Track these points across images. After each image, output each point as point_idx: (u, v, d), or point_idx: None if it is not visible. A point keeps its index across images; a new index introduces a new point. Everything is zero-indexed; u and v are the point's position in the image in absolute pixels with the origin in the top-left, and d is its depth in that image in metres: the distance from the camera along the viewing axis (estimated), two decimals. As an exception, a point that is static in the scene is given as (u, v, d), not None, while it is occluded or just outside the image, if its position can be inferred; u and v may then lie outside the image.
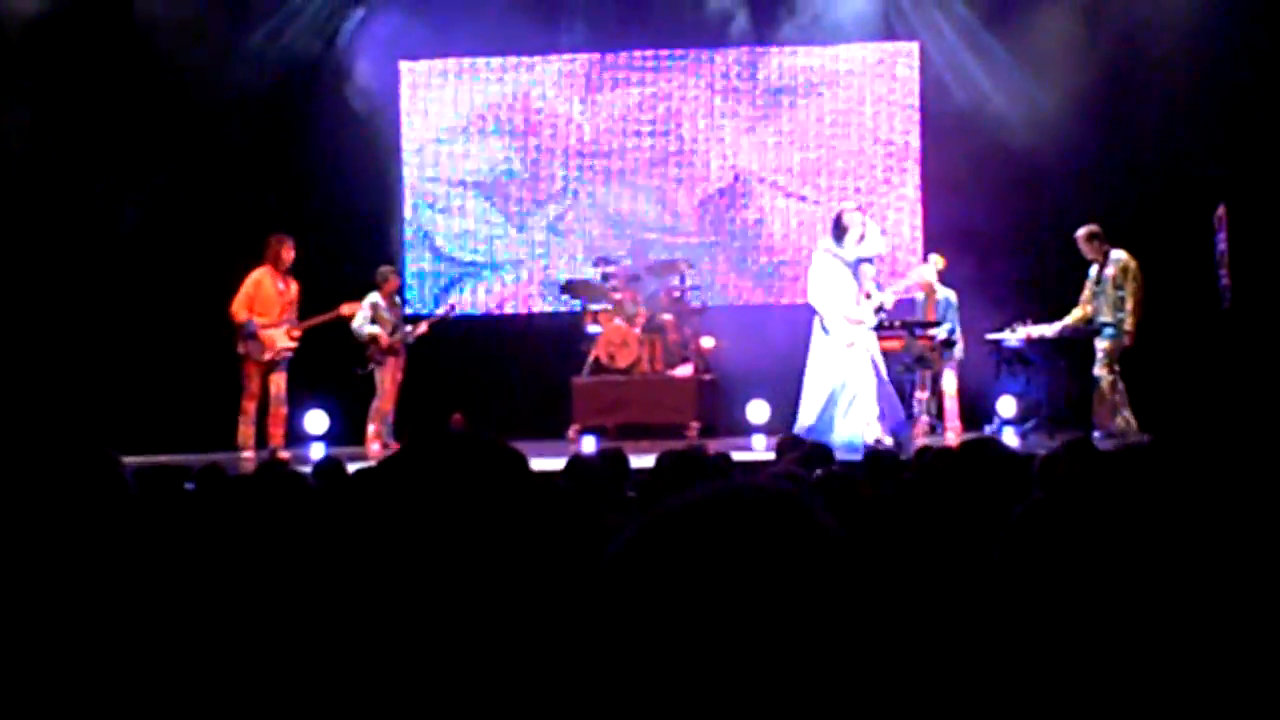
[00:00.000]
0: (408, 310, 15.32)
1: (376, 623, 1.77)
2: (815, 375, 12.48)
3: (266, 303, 13.34)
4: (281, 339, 13.36)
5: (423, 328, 14.38)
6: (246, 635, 2.42)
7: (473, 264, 16.51)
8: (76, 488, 2.58)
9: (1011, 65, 15.09)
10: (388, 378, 14.08)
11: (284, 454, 12.76)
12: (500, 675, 1.74)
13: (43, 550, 2.20)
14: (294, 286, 13.57)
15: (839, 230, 12.43)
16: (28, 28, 14.31)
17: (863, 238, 12.39)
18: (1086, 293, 13.14)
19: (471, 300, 16.43)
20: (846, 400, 12.29)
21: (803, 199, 16.19)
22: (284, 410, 13.60)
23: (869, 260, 12.51)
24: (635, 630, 1.31)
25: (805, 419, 12.31)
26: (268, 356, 13.37)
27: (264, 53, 15.57)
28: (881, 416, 12.31)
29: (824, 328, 12.47)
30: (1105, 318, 12.98)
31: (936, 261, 14.11)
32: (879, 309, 12.55)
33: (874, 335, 12.51)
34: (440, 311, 15.05)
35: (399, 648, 1.75)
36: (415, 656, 1.74)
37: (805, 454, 7.39)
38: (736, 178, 16.32)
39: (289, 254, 13.40)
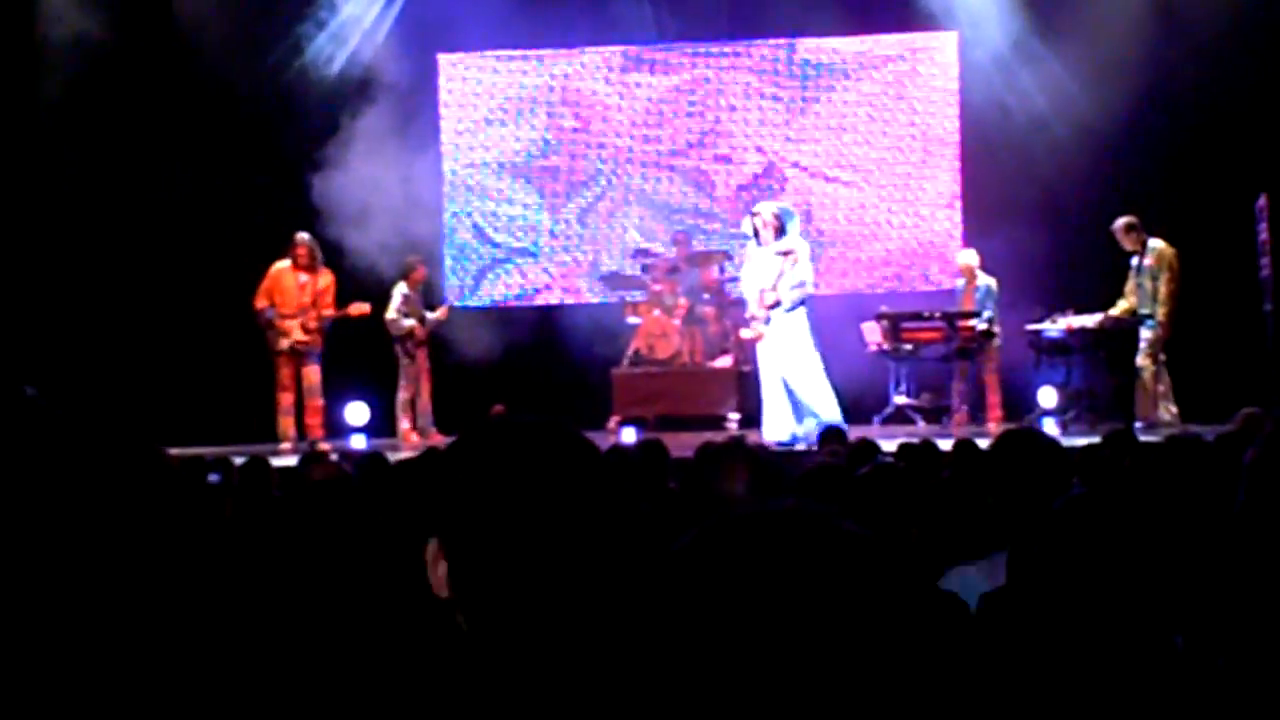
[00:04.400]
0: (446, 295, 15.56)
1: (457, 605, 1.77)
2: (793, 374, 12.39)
3: (285, 294, 13.63)
4: (297, 330, 13.56)
5: (441, 313, 14.42)
6: (295, 622, 2.43)
7: (513, 251, 16.56)
8: (124, 479, 2.60)
9: (1052, 54, 14.97)
10: (421, 369, 14.16)
11: (324, 445, 12.86)
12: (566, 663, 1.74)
13: (90, 541, 2.22)
14: (323, 279, 13.70)
15: (753, 230, 12.58)
16: (75, 43, 14.46)
17: (780, 233, 12.39)
18: (1130, 284, 13.07)
19: (510, 287, 16.49)
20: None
21: (844, 185, 16.15)
22: (319, 402, 13.75)
23: (786, 254, 12.38)
24: (690, 624, 1.32)
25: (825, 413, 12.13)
26: (285, 344, 13.59)
27: (301, 50, 15.65)
28: (794, 411, 12.34)
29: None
30: (1146, 309, 12.92)
31: (971, 256, 14.21)
32: (772, 305, 12.33)
33: (787, 329, 12.32)
34: (453, 302, 15.08)
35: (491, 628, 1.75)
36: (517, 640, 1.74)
37: (850, 448, 7.39)
38: (774, 167, 16.31)
39: (301, 251, 13.63)
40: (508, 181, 16.55)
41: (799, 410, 12.24)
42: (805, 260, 12.49)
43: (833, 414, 12.06)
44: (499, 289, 16.50)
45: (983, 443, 7.13)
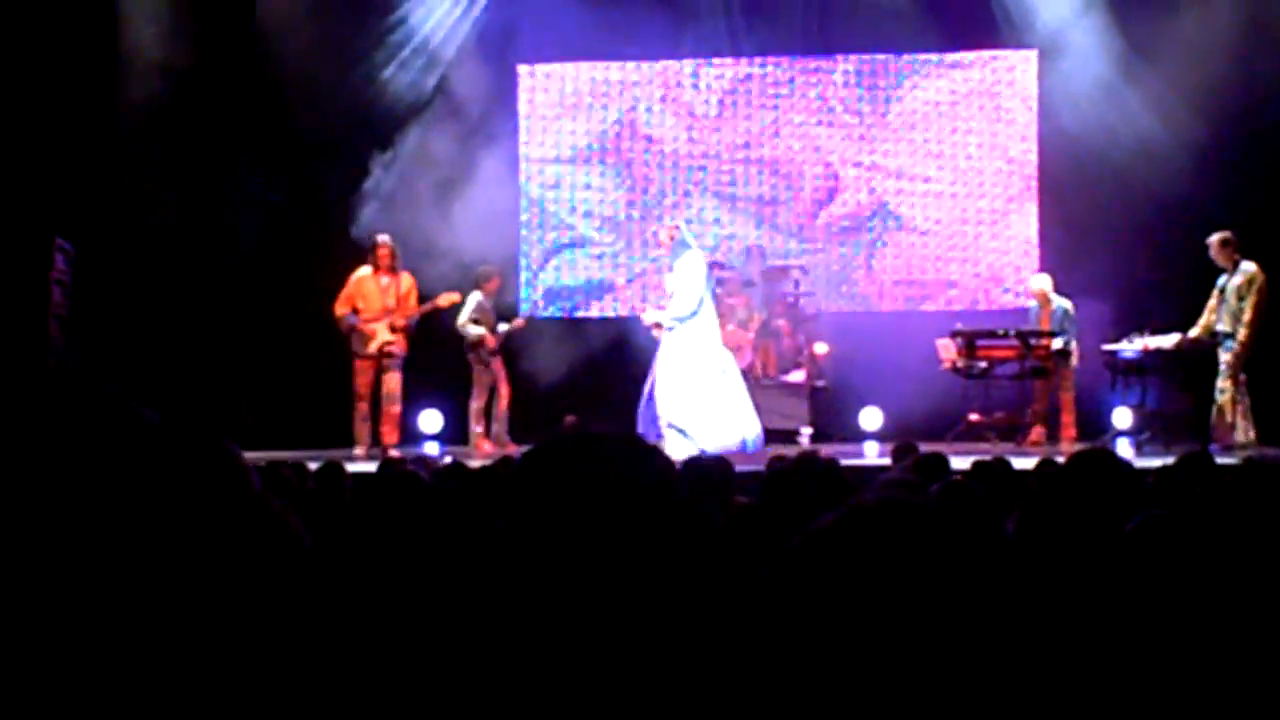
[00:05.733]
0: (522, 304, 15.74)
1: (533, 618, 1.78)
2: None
3: (368, 299, 13.69)
4: (383, 332, 13.62)
5: (516, 323, 14.49)
6: (379, 633, 2.45)
7: (588, 239, 16.62)
8: (199, 480, 2.63)
9: (1134, 73, 14.81)
10: (499, 378, 14.21)
11: (394, 452, 12.92)
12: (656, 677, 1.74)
13: (165, 543, 2.26)
14: (404, 281, 13.77)
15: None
16: (158, 65, 14.68)
17: (673, 251, 12.83)
18: (1212, 301, 12.92)
19: (586, 298, 16.57)
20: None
21: (919, 198, 16.06)
22: (396, 409, 13.79)
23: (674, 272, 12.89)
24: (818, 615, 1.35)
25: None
26: (371, 348, 13.64)
27: (381, 66, 15.81)
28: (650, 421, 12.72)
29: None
30: (1225, 327, 12.77)
31: (1044, 280, 14.12)
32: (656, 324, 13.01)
33: (672, 345, 12.72)
34: (522, 319, 15.05)
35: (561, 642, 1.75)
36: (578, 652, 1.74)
37: (918, 461, 7.36)
38: (848, 185, 16.23)
39: (383, 252, 13.68)
40: (584, 182, 16.57)
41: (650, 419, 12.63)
42: (689, 279, 12.66)
43: (706, 437, 12.36)
44: (573, 275, 16.59)
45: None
